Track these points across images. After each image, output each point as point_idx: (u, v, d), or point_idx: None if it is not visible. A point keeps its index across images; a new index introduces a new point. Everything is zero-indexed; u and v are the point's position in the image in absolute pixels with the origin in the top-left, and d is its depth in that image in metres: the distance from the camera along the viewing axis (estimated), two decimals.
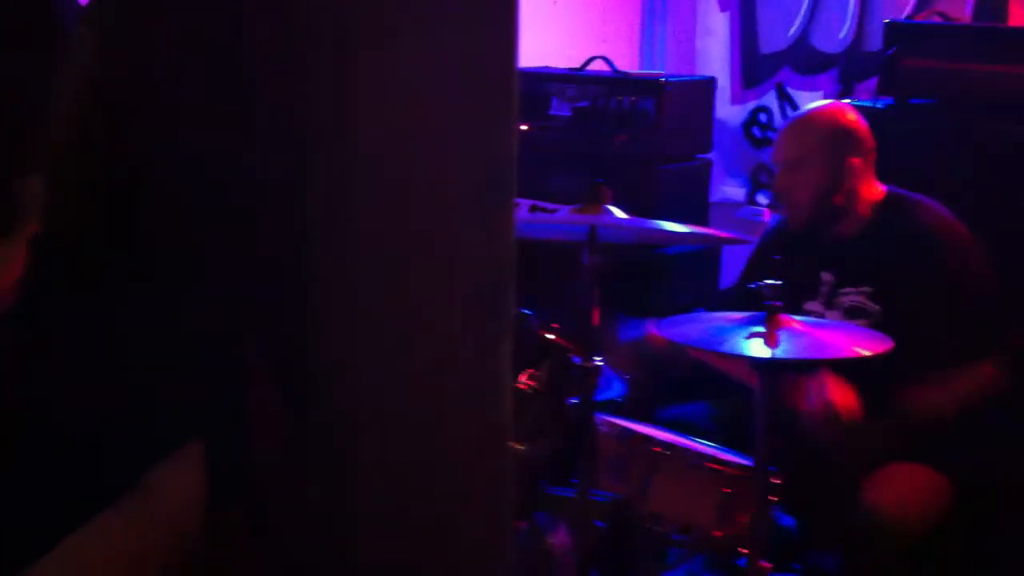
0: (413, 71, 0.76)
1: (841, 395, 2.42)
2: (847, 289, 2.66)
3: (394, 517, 0.76)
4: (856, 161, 2.65)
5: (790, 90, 4.10)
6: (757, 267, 2.78)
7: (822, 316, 2.65)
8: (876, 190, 2.69)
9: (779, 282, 2.19)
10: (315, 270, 0.75)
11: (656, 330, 2.55)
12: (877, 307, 2.60)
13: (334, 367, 0.76)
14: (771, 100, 4.15)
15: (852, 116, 2.72)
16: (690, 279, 3.60)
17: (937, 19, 3.53)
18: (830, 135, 2.66)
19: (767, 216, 4.09)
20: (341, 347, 0.76)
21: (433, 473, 0.77)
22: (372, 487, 0.75)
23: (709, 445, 2.36)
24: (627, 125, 3.57)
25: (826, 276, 2.70)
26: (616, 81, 3.65)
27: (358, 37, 0.75)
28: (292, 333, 0.78)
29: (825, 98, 4.01)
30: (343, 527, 0.77)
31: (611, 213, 2.29)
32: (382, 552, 0.77)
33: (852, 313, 2.63)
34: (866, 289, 2.63)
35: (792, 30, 4.07)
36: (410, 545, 0.77)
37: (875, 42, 3.81)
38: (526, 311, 2.28)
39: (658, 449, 2.27)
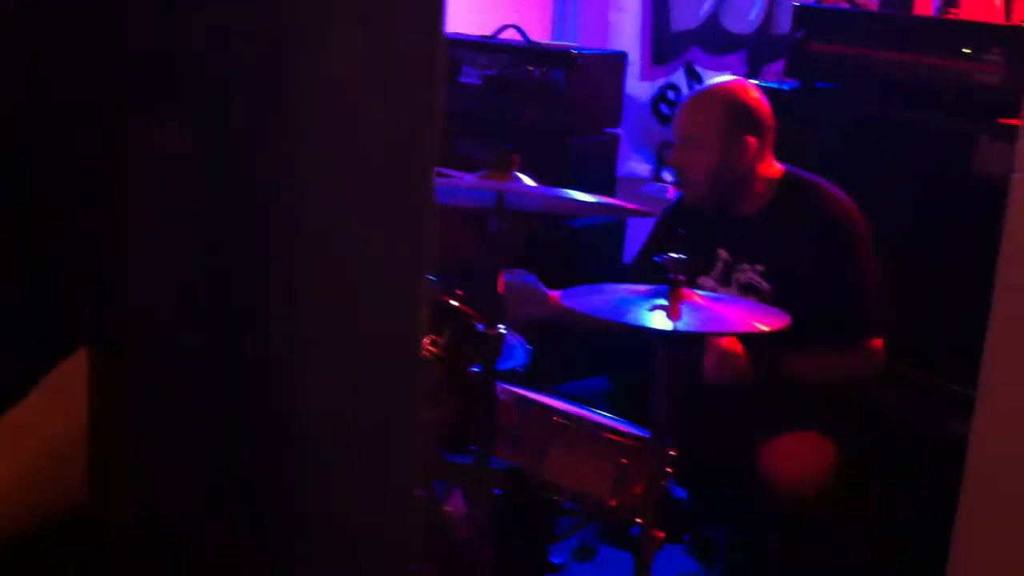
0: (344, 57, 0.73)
1: (732, 344, 2.50)
2: (743, 266, 2.70)
3: (306, 488, 0.74)
4: (752, 140, 2.67)
5: (699, 69, 4.13)
6: (659, 241, 2.80)
7: (715, 291, 2.69)
8: (774, 169, 2.72)
9: (683, 256, 2.20)
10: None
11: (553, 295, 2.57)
12: (769, 285, 2.65)
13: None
14: (680, 78, 4.18)
15: (753, 94, 2.74)
16: (595, 251, 3.61)
17: (845, 5, 3.58)
18: (727, 112, 2.67)
19: (671, 193, 4.12)
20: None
21: (345, 448, 0.75)
22: (286, 455, 0.73)
23: (608, 416, 2.37)
24: (537, 96, 3.56)
25: (722, 253, 2.74)
26: (528, 51, 3.63)
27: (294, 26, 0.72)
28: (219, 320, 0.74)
29: None
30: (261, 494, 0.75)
31: (520, 180, 2.27)
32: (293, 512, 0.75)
33: (746, 290, 2.68)
34: (760, 267, 2.67)
35: (703, 9, 4.09)
36: (321, 513, 0.75)
37: (783, 25, 3.86)
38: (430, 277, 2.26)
39: (557, 419, 2.27)
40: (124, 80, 0.71)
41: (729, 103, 2.69)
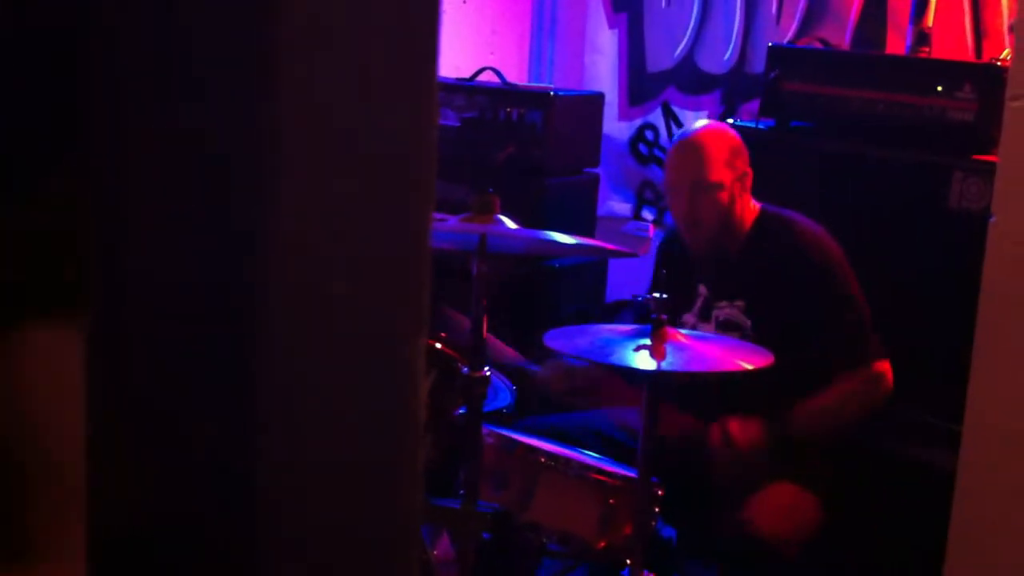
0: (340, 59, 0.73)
1: (739, 428, 2.49)
2: (721, 303, 2.71)
3: (301, 518, 0.73)
4: (747, 171, 2.71)
5: (676, 108, 4.17)
6: (657, 281, 2.82)
7: (695, 328, 2.70)
8: (751, 207, 2.75)
9: (664, 296, 2.21)
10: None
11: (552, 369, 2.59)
12: (749, 321, 2.66)
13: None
14: (657, 118, 4.22)
15: (732, 132, 2.78)
16: (576, 291, 3.62)
17: (818, 45, 3.63)
18: (729, 154, 2.70)
19: (652, 231, 4.15)
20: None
21: (343, 476, 0.75)
22: (279, 487, 0.72)
23: (593, 456, 2.36)
24: (515, 137, 3.58)
25: (702, 289, 2.75)
26: (505, 93, 3.65)
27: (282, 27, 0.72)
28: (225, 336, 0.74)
29: (709, 119, 4.09)
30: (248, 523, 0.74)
31: (502, 222, 2.28)
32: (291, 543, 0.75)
33: (725, 326, 2.69)
34: (739, 303, 2.68)
35: (678, 50, 4.14)
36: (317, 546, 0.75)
37: (758, 65, 3.90)
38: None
39: (543, 459, 2.27)
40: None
41: (727, 144, 2.71)
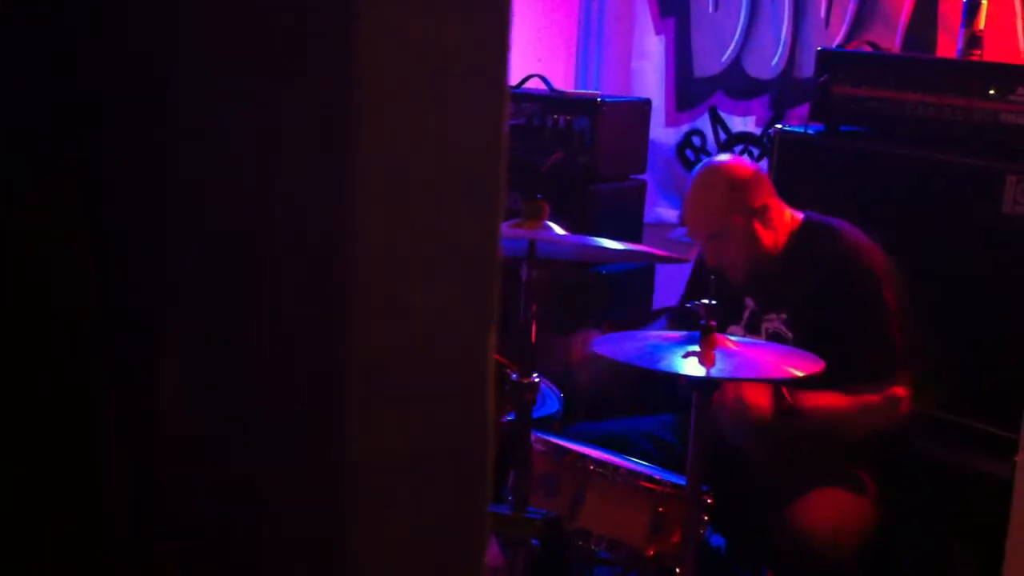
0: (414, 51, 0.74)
1: (752, 393, 2.43)
2: (769, 315, 2.68)
3: (382, 515, 0.75)
4: (765, 202, 2.65)
5: (723, 114, 4.15)
6: (695, 287, 2.80)
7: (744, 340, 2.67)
8: (791, 218, 2.70)
9: (714, 302, 2.20)
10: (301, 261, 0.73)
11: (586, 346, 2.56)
12: (791, 333, 2.62)
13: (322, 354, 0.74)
14: (705, 123, 4.20)
15: (739, 167, 2.71)
16: (625, 297, 3.61)
17: (867, 48, 3.60)
18: (732, 197, 2.62)
19: None
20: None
21: (417, 470, 0.76)
22: (359, 483, 0.74)
23: (643, 464, 2.36)
24: (562, 144, 3.58)
25: (748, 302, 2.72)
26: (552, 99, 3.66)
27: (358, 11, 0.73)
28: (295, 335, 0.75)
29: (757, 124, 4.07)
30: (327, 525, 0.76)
31: (550, 228, 2.29)
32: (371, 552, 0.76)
33: (773, 339, 2.65)
34: (783, 315, 2.65)
35: (726, 55, 4.12)
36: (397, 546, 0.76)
37: (806, 69, 3.88)
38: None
39: (592, 467, 2.26)
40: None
41: (731, 184, 2.64)
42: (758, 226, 2.62)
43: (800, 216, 2.71)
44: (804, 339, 2.56)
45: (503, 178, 0.84)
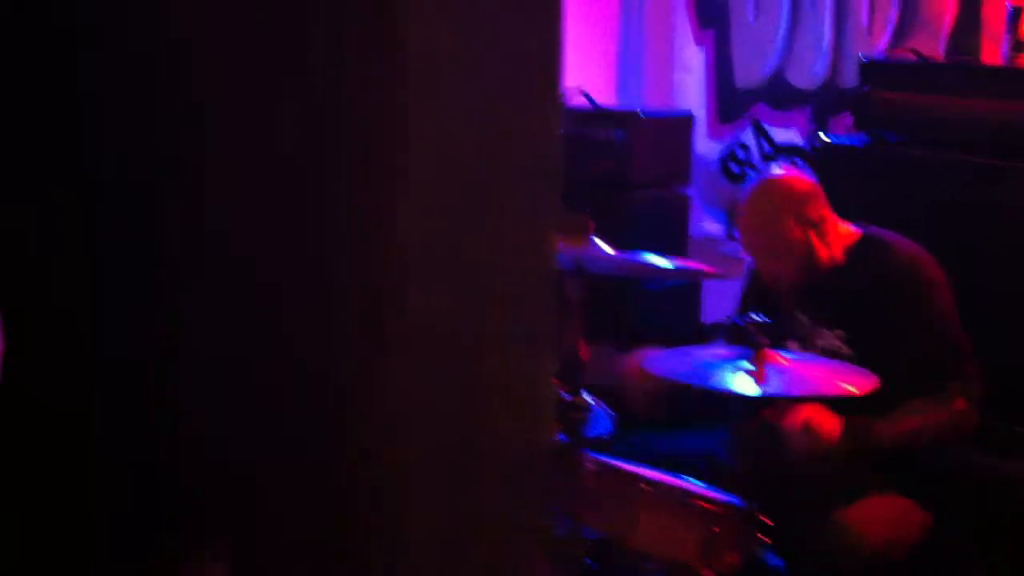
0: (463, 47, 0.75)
1: (820, 416, 2.41)
2: (822, 332, 2.65)
3: (441, 530, 0.75)
4: (821, 215, 2.63)
5: (766, 125, 4.13)
6: (747, 303, 2.77)
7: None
8: (847, 231, 2.67)
9: (766, 319, 2.19)
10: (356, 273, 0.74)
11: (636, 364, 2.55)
12: (849, 350, 2.59)
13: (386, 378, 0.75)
14: (748, 136, 4.17)
15: (795, 179, 2.69)
16: (671, 313, 3.60)
17: (911, 56, 3.57)
18: (790, 210, 2.59)
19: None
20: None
21: (478, 481, 0.77)
22: (420, 501, 0.74)
23: (697, 483, 2.34)
24: (604, 157, 3.58)
25: (802, 317, 2.70)
26: (593, 113, 3.66)
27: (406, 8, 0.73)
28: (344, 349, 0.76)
29: (800, 134, 4.04)
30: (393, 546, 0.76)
31: (596, 245, 2.28)
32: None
33: (827, 354, 2.63)
34: (840, 332, 2.62)
35: (768, 66, 4.10)
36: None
37: (849, 78, 3.85)
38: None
39: (644, 486, 2.25)
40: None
41: (789, 199, 2.61)
42: (815, 239, 2.60)
43: (857, 231, 2.68)
44: (863, 356, 2.53)
45: (557, 195, 0.84)
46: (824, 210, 2.63)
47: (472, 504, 0.77)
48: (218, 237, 0.76)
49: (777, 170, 2.88)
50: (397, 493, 0.74)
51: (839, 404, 2.43)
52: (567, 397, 2.19)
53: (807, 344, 2.67)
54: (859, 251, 2.64)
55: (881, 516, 2.44)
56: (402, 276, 0.74)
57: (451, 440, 0.77)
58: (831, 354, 2.61)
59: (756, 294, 2.34)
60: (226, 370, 0.79)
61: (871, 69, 3.32)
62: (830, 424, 2.41)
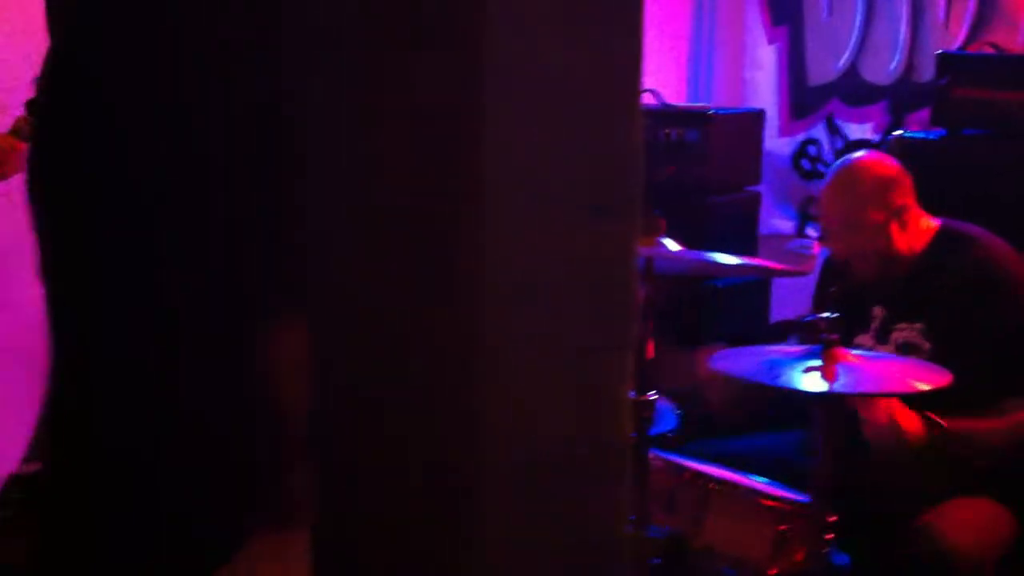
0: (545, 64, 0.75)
1: (907, 417, 2.38)
2: (900, 325, 2.61)
3: (515, 539, 0.76)
4: (905, 203, 2.60)
5: (839, 122, 4.07)
6: (821, 300, 2.74)
7: (872, 351, 2.61)
8: (928, 224, 2.64)
9: (835, 315, 2.16)
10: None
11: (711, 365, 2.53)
12: (928, 344, 2.55)
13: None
14: (820, 132, 4.12)
15: (886, 163, 2.67)
16: (740, 311, 3.57)
17: (989, 49, 3.49)
18: (879, 191, 2.58)
19: (816, 249, 4.05)
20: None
21: (557, 485, 0.78)
22: (497, 502, 0.76)
23: (763, 480, 2.32)
24: (675, 157, 3.56)
25: (877, 311, 2.66)
26: (664, 113, 3.64)
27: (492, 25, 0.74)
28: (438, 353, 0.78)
29: (875, 130, 3.98)
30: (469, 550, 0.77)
31: (665, 245, 2.28)
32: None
33: (904, 349, 2.59)
34: (919, 325, 2.58)
35: (841, 61, 4.04)
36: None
37: (925, 73, 3.78)
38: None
39: (712, 485, 2.24)
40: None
41: (879, 179, 2.60)
42: (895, 226, 2.57)
43: (937, 223, 2.64)
44: (943, 351, 2.49)
45: (639, 200, 0.84)
46: (908, 199, 2.60)
47: (559, 507, 0.78)
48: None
49: (863, 152, 2.86)
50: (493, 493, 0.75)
51: (915, 401, 2.40)
52: (633, 395, 2.19)
53: (883, 338, 2.64)
54: (940, 243, 2.61)
55: (969, 521, 2.39)
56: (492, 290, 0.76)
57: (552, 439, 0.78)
58: (907, 347, 2.57)
59: (832, 288, 2.31)
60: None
61: (949, 63, 3.26)
62: (912, 422, 2.37)
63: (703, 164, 3.53)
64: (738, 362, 2.28)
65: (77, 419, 0.87)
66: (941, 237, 2.62)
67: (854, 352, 2.24)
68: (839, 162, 2.77)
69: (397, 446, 0.78)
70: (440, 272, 0.75)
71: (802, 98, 4.14)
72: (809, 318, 2.20)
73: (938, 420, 2.38)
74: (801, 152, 4.15)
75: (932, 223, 2.64)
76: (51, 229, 0.88)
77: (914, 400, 2.42)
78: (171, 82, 0.83)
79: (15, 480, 2.55)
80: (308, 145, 0.79)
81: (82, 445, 0.87)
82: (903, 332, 2.60)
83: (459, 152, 0.75)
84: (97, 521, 0.88)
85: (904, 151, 3.18)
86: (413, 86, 0.75)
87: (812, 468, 2.11)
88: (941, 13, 3.78)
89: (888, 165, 2.66)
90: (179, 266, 0.85)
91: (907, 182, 2.62)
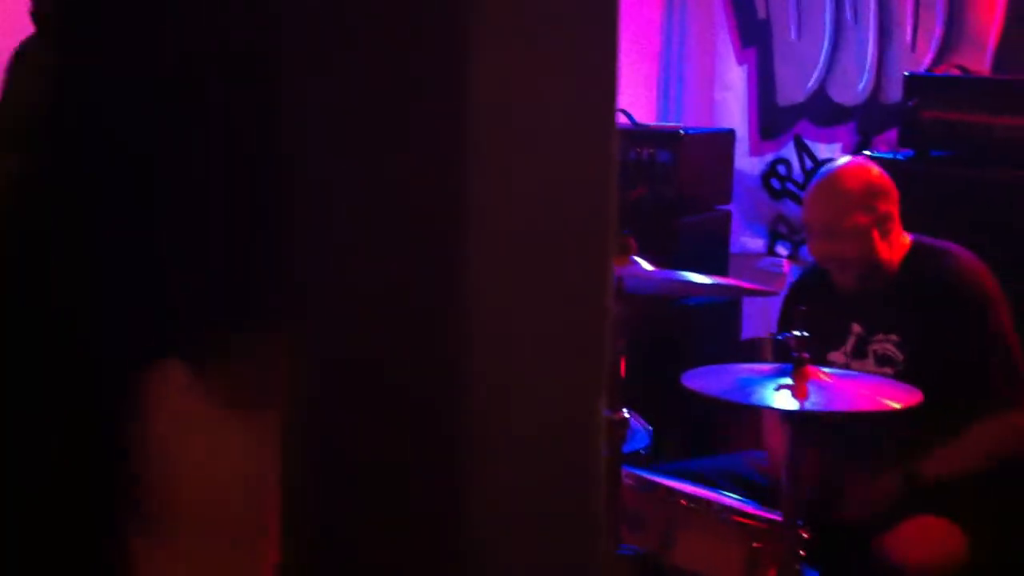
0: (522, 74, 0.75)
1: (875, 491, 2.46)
2: (878, 337, 2.64)
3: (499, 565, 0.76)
4: (890, 211, 2.63)
5: (808, 141, 4.11)
6: (787, 319, 2.76)
7: (847, 367, 2.63)
8: (905, 239, 2.67)
9: (806, 334, 2.17)
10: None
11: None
12: (902, 356, 2.58)
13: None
14: (790, 152, 4.15)
15: (876, 170, 2.71)
16: (711, 330, 3.58)
17: (956, 72, 3.54)
18: (866, 196, 2.62)
19: (787, 267, 4.08)
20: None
21: (545, 496, 0.78)
22: (486, 501, 0.76)
23: (735, 498, 2.33)
24: (646, 176, 3.58)
25: (855, 327, 2.68)
26: (635, 133, 3.66)
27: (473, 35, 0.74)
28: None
29: (843, 151, 4.02)
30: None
31: (637, 263, 2.28)
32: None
33: (882, 361, 2.61)
34: (895, 337, 2.60)
35: (810, 82, 4.08)
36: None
37: (893, 94, 3.82)
38: None
39: (684, 502, 2.24)
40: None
41: (867, 185, 2.63)
42: (877, 234, 2.60)
43: (911, 238, 2.67)
44: (916, 365, 2.52)
45: (613, 231, 0.84)
46: (893, 209, 2.63)
47: (536, 534, 0.78)
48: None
49: (855, 158, 2.89)
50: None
51: (887, 420, 2.41)
52: (605, 412, 2.19)
53: (860, 351, 2.66)
54: (916, 257, 2.64)
55: (922, 539, 2.42)
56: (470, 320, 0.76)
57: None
58: (885, 360, 2.60)
59: (802, 307, 2.32)
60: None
61: (916, 85, 3.29)
62: (885, 488, 2.44)
63: (674, 183, 3.55)
64: (710, 380, 2.28)
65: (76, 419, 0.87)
66: (915, 252, 2.65)
67: (826, 370, 2.26)
68: (827, 166, 2.80)
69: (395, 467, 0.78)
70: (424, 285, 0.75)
71: (772, 118, 4.17)
72: (780, 336, 2.21)
73: (917, 472, 2.43)
74: (771, 172, 4.18)
75: (907, 238, 2.67)
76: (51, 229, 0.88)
77: (887, 436, 2.45)
78: (171, 82, 0.83)
79: None
80: (308, 146, 0.78)
81: (82, 445, 0.87)
82: (881, 344, 2.63)
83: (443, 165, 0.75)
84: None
85: None
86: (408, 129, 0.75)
87: (782, 485, 2.12)
88: (908, 35, 3.82)
89: (878, 173, 2.69)
90: (179, 266, 0.85)
91: (894, 193, 2.66)
